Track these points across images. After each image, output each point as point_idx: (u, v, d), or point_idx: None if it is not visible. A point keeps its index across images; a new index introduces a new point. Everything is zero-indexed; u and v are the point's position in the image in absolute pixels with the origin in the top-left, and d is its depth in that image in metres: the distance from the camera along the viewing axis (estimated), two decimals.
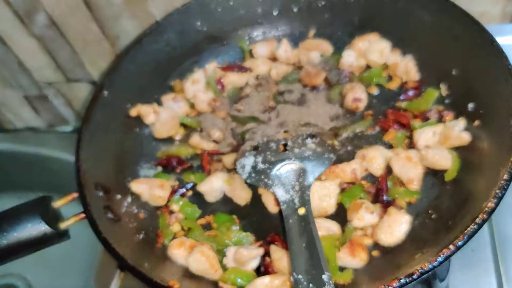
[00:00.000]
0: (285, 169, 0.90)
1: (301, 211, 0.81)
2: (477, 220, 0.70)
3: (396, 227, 0.82)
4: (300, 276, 0.71)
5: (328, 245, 0.82)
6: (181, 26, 1.12)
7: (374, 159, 0.91)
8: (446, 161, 0.87)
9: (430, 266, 0.68)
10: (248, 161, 0.93)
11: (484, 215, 0.70)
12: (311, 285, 0.69)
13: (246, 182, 0.93)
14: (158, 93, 1.12)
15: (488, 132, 0.85)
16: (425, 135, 0.92)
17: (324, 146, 0.92)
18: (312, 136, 0.94)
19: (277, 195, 0.86)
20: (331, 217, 0.88)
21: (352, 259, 0.80)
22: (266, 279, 0.78)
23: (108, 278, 1.11)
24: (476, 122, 0.88)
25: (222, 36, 1.17)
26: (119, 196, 0.93)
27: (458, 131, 0.89)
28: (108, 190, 0.91)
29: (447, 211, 0.82)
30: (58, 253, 1.40)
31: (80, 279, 1.46)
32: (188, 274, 0.83)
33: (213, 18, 1.15)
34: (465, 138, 0.88)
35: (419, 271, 0.68)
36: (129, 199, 0.95)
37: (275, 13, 1.16)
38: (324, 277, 0.70)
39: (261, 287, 0.77)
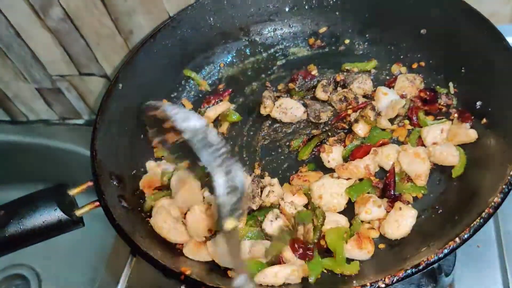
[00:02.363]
0: None
1: None
2: (483, 214, 0.71)
3: (403, 221, 0.84)
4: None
5: (336, 237, 0.84)
6: (195, 22, 1.14)
7: (389, 156, 0.92)
8: (453, 157, 0.88)
9: (436, 257, 0.70)
10: None
11: (490, 210, 0.71)
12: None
13: None
14: (170, 87, 1.15)
15: (496, 130, 0.87)
16: (433, 132, 0.93)
17: None
18: None
19: None
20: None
21: (359, 251, 0.82)
22: (275, 268, 0.80)
23: (120, 267, 1.13)
24: (484, 120, 0.90)
25: (234, 32, 1.19)
26: (132, 186, 0.95)
27: (465, 128, 0.91)
28: (121, 180, 0.93)
29: (454, 206, 0.83)
30: (67, 245, 1.43)
31: (88, 271, 1.48)
32: (198, 262, 0.85)
33: (226, 15, 1.17)
34: (472, 135, 0.89)
35: (425, 262, 0.70)
36: (141, 188, 0.97)
37: (286, 10, 1.18)
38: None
39: (271, 275, 0.79)
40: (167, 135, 0.73)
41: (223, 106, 1.11)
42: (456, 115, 0.95)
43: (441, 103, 0.98)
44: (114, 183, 0.92)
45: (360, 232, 0.84)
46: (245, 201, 0.63)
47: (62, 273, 1.55)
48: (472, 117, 0.92)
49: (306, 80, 1.12)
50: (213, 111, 1.10)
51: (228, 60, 1.20)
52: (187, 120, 0.63)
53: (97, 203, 0.87)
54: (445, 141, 0.93)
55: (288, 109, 1.05)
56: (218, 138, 0.62)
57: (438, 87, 1.01)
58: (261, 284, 0.80)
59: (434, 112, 0.98)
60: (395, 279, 0.70)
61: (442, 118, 0.96)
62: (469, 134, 0.89)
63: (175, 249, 0.88)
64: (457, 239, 0.70)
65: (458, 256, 0.91)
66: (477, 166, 0.86)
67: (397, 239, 0.84)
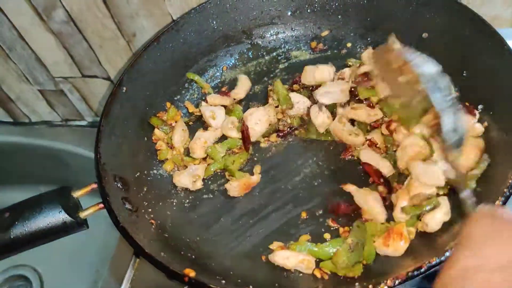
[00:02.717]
0: None
1: None
2: None
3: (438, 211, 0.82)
4: None
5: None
6: (198, 25, 1.15)
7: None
8: None
9: (437, 260, 0.70)
10: None
11: None
12: None
13: None
14: (173, 90, 1.16)
15: (497, 134, 0.87)
16: None
17: None
18: None
19: None
20: None
21: (386, 249, 0.81)
22: (287, 253, 0.84)
23: (123, 269, 1.13)
24: (485, 124, 0.90)
25: (236, 36, 1.20)
26: (135, 188, 0.96)
27: (471, 123, 0.90)
28: (126, 182, 0.94)
29: (457, 208, 0.83)
30: (69, 246, 1.43)
31: (91, 272, 1.49)
32: (202, 264, 0.86)
33: (228, 18, 1.18)
34: (479, 129, 0.90)
35: (427, 264, 0.70)
36: (145, 191, 0.98)
37: (289, 14, 1.19)
38: None
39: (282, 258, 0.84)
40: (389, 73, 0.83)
41: (228, 100, 1.13)
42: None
43: None
44: (118, 185, 0.92)
45: (392, 227, 0.83)
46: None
47: (64, 275, 1.55)
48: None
49: None
50: (218, 99, 1.12)
51: (231, 63, 1.20)
52: (423, 65, 0.71)
53: (101, 205, 0.88)
54: None
55: (295, 103, 1.06)
56: (448, 84, 0.72)
57: None
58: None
59: None
60: (397, 282, 0.71)
61: None
62: (475, 128, 0.90)
63: (179, 251, 0.89)
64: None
65: None
66: None
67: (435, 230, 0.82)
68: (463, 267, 0.30)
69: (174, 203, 1.01)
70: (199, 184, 1.01)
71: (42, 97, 1.62)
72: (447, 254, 0.70)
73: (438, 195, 0.86)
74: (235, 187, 0.97)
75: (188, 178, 1.01)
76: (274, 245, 0.89)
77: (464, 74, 0.97)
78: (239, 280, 0.83)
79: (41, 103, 1.65)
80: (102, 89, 1.53)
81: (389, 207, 0.89)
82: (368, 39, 1.14)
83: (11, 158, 1.67)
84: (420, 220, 0.84)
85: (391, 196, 0.90)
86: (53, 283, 1.58)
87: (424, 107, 0.76)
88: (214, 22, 1.17)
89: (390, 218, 0.87)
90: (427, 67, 0.72)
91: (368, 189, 0.91)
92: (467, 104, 0.95)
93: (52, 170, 1.61)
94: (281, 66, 1.18)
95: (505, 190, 0.73)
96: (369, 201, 0.88)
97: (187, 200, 1.01)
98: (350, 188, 0.92)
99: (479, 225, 0.34)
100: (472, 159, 0.84)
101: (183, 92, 1.17)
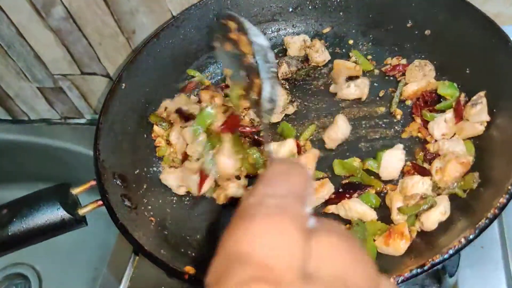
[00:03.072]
0: None
1: None
2: (489, 215, 0.71)
3: (433, 210, 0.82)
4: None
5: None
6: (198, 21, 1.14)
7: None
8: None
9: (441, 258, 0.69)
10: None
11: (496, 210, 0.71)
12: None
13: None
14: (173, 87, 1.15)
15: (500, 131, 0.86)
16: (438, 124, 0.93)
17: None
18: None
19: None
20: None
21: (386, 248, 0.81)
22: None
23: (122, 266, 1.13)
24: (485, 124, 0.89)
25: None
26: (135, 185, 0.95)
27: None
28: (125, 179, 0.93)
29: (458, 206, 0.83)
30: (68, 244, 1.43)
31: (90, 270, 1.48)
32: (202, 261, 0.85)
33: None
34: (479, 128, 0.89)
35: (430, 262, 0.69)
36: (144, 188, 0.97)
37: (290, 10, 1.18)
38: None
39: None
40: (227, 43, 0.86)
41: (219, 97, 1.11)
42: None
43: None
44: (117, 182, 0.92)
45: (394, 227, 0.82)
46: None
47: (63, 272, 1.55)
48: None
49: None
50: (209, 94, 1.09)
51: None
52: (257, 36, 0.76)
53: (100, 202, 0.87)
54: (452, 131, 0.92)
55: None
56: (274, 59, 0.77)
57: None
58: None
59: (437, 113, 0.98)
60: (400, 280, 0.70)
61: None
62: (476, 126, 0.89)
63: (179, 249, 0.88)
64: (462, 240, 0.70)
65: (462, 257, 0.91)
66: (482, 166, 0.86)
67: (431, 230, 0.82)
68: (260, 195, 0.39)
69: (174, 201, 1.00)
70: (182, 191, 0.98)
71: (41, 94, 1.61)
72: (451, 252, 0.70)
73: (438, 194, 0.86)
74: (222, 198, 0.94)
75: (175, 181, 0.98)
76: None
77: (467, 71, 0.97)
78: None
79: (40, 101, 1.64)
80: (101, 86, 1.52)
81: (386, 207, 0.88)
82: (370, 36, 1.13)
83: (10, 156, 1.66)
84: (419, 219, 0.83)
85: (385, 198, 0.89)
86: (51, 281, 1.57)
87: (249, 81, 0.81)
88: (215, 19, 1.16)
89: (390, 221, 0.86)
90: (262, 39, 0.77)
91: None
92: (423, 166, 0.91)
93: (51, 168, 1.61)
94: None
95: (509, 187, 0.73)
96: (346, 206, 0.87)
97: (187, 198, 1.00)
98: (331, 208, 0.91)
99: (273, 167, 0.44)
100: (455, 174, 0.84)
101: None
